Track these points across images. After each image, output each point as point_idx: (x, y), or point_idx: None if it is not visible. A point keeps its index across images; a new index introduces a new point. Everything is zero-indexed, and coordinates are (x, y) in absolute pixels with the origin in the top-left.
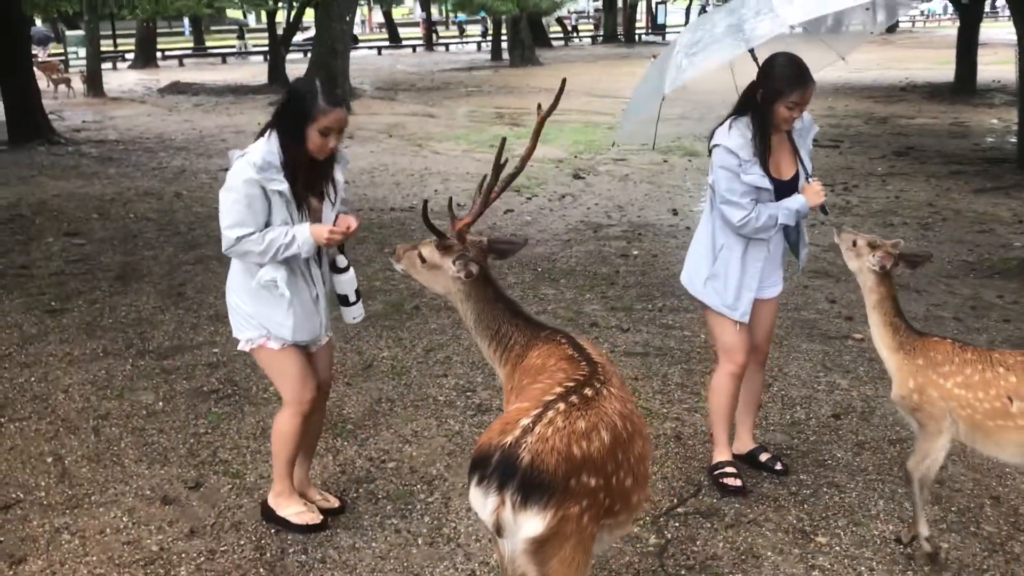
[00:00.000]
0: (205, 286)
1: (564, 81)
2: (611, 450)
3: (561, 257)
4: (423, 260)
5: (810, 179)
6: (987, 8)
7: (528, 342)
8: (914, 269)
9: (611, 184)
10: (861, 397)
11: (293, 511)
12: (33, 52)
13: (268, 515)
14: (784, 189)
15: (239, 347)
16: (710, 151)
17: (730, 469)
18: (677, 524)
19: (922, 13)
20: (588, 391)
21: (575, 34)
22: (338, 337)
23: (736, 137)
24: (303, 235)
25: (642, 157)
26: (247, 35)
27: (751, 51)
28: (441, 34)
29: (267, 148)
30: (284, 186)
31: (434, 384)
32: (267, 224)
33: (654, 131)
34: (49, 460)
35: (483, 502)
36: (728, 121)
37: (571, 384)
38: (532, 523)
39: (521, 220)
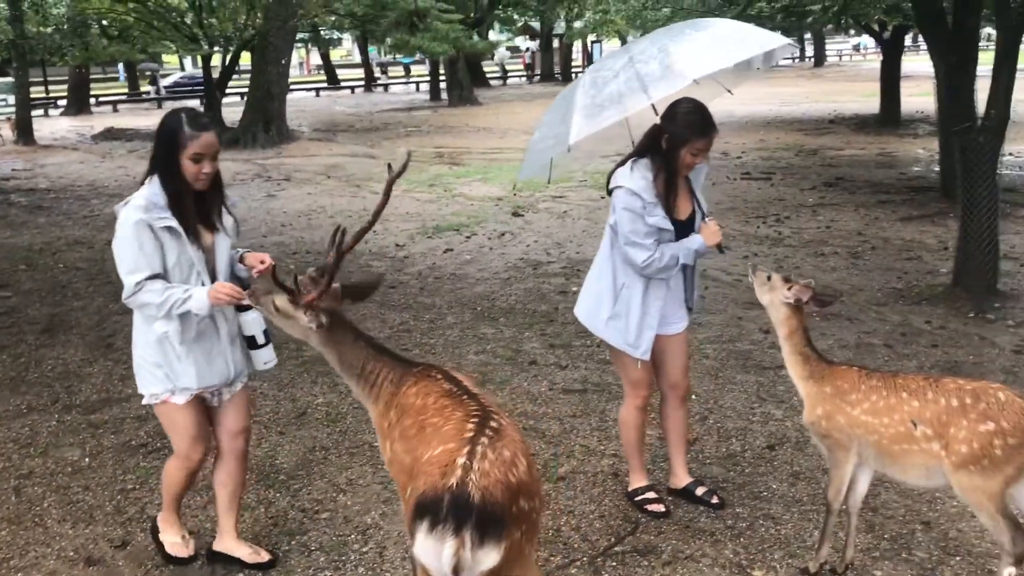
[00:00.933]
0: None
1: (409, 154)
2: (530, 473)
3: (500, 295)
4: (277, 309)
5: (707, 219)
6: (909, 42)
7: (399, 379)
8: (822, 308)
9: (550, 221)
10: (795, 427)
11: (169, 540)
12: None
13: (153, 532)
14: (682, 229)
15: (143, 402)
16: (609, 192)
17: (650, 494)
18: (615, 564)
19: (855, 47)
20: (493, 423)
21: (531, 71)
22: (271, 384)
23: (639, 179)
24: (199, 295)
25: (580, 194)
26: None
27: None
28: (390, 74)
29: (149, 190)
30: (172, 222)
31: (369, 430)
32: (164, 266)
33: (550, 168)
34: None
35: (439, 548)
36: (629, 163)
37: (476, 419)
38: (491, 556)
39: (461, 259)
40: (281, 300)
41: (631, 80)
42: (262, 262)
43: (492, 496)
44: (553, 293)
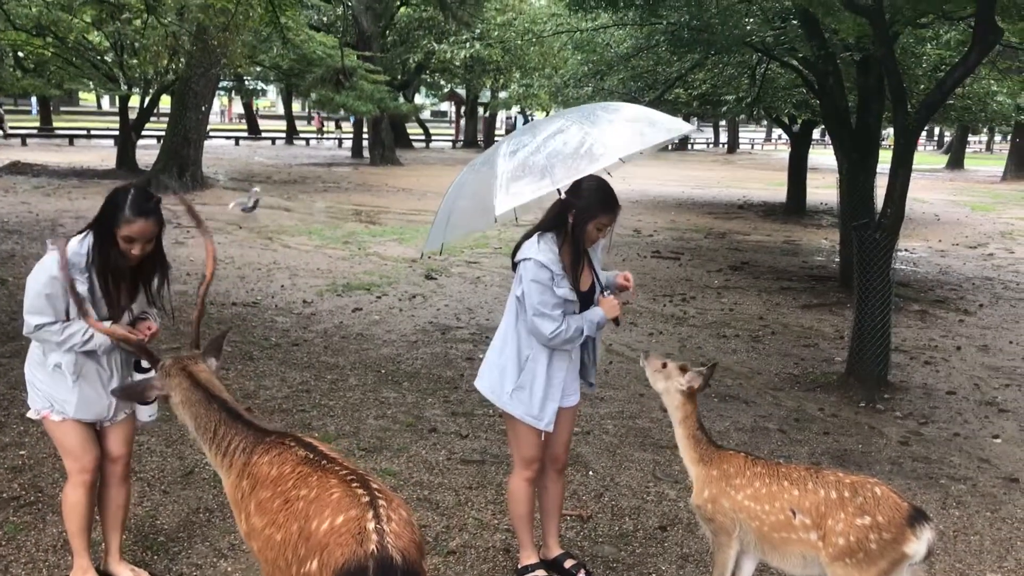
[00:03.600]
0: (19, 381)
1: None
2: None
3: (406, 359)
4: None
5: (605, 292)
6: (817, 136)
7: (252, 447)
8: (706, 383)
9: (462, 286)
10: (687, 508)
11: None
12: None
13: None
14: (584, 300)
15: (27, 415)
16: (515, 265)
17: (540, 572)
18: None
19: (769, 137)
20: (374, 485)
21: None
22: (159, 440)
23: (547, 252)
24: (100, 335)
25: (494, 261)
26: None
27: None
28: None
29: (76, 248)
30: (83, 287)
31: None
32: (68, 313)
33: (443, 237)
34: None
35: None
36: (535, 236)
37: (358, 483)
38: None
39: (369, 319)
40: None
41: (555, 156)
42: (149, 328)
43: (411, 556)
44: (460, 359)
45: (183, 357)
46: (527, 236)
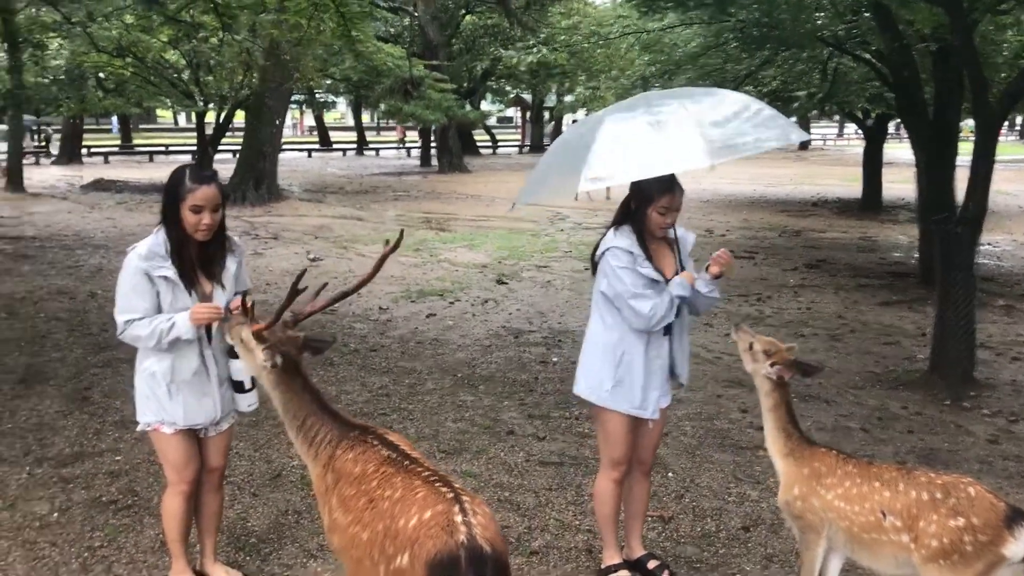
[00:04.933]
0: (112, 390)
1: (403, 232)
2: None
3: (481, 363)
4: (241, 340)
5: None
6: (892, 130)
7: (338, 442)
8: (806, 377)
9: (533, 290)
10: (771, 509)
11: None
12: None
13: None
14: None
15: (138, 428)
16: (596, 263)
17: (623, 572)
18: None
19: (842, 133)
20: (455, 484)
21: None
22: (247, 444)
23: (624, 239)
24: (181, 319)
25: (564, 264)
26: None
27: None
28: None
29: (153, 240)
30: (170, 272)
31: None
32: (159, 311)
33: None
34: None
35: None
36: (611, 230)
37: (440, 482)
38: None
39: (443, 324)
40: (246, 333)
41: (695, 139)
42: (237, 305)
43: (498, 546)
44: (534, 363)
45: (287, 336)
46: (603, 235)
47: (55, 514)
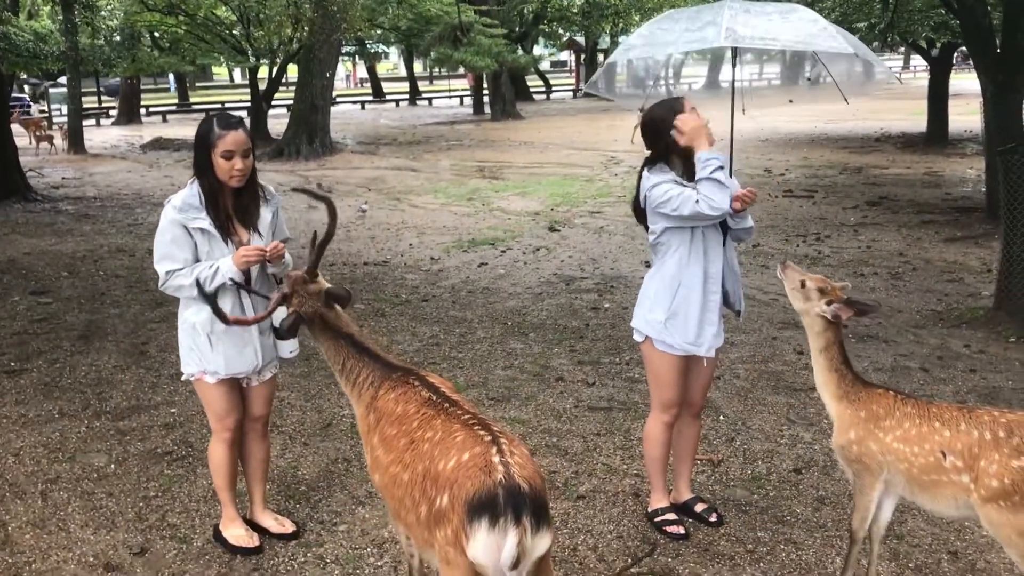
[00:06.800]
0: (169, 344)
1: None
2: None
3: (532, 310)
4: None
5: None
6: (958, 60)
7: (380, 382)
8: (860, 316)
9: (586, 237)
10: (824, 451)
11: (231, 534)
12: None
13: (216, 535)
14: None
15: (183, 378)
16: (641, 205)
17: (670, 516)
18: None
19: (907, 65)
20: (493, 426)
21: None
22: (298, 395)
23: (660, 175)
24: (225, 263)
25: (618, 210)
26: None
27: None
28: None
29: (188, 192)
30: (205, 223)
31: None
32: (196, 261)
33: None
34: None
35: (501, 541)
36: (644, 171)
37: (479, 425)
38: (545, 541)
39: (495, 273)
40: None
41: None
42: (275, 247)
43: (536, 483)
44: (585, 309)
45: (308, 291)
46: (639, 180)
47: (112, 465)
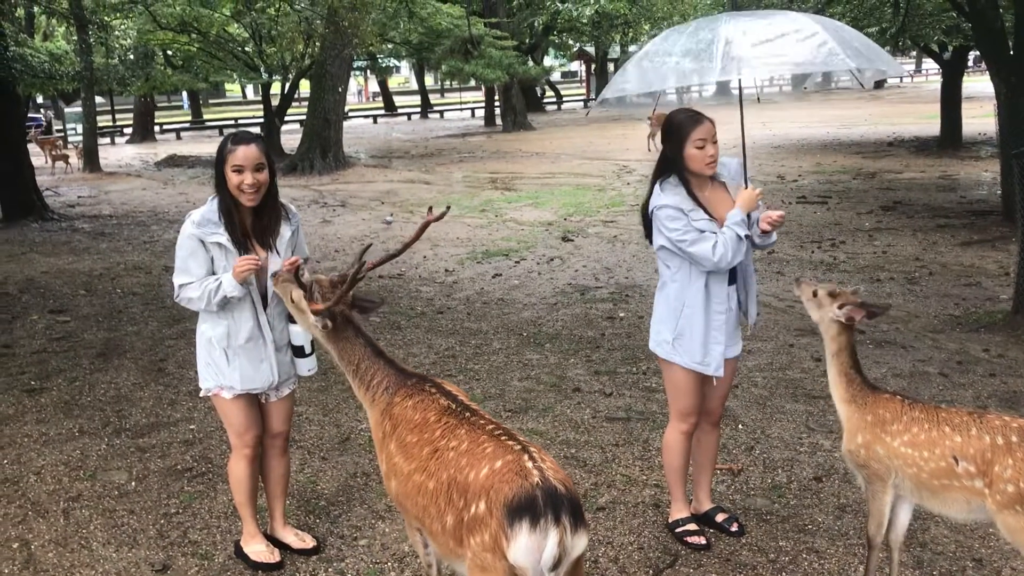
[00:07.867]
0: (187, 361)
1: (448, 207)
2: None
3: (547, 321)
4: (292, 300)
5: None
6: (970, 63)
7: (395, 388)
8: (871, 319)
9: (599, 246)
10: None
11: (252, 550)
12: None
13: (237, 551)
14: None
15: (200, 393)
16: (648, 221)
17: (691, 526)
18: None
19: (919, 69)
20: (517, 435)
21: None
22: (316, 409)
23: (672, 194)
24: (227, 277)
25: (631, 218)
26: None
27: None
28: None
29: (207, 208)
30: (223, 238)
31: None
32: (212, 274)
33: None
34: (15, 546)
35: (542, 542)
36: (656, 185)
37: (504, 434)
38: (583, 540)
39: (509, 284)
40: (297, 294)
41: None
42: (292, 262)
43: (570, 487)
44: (600, 319)
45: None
46: (649, 191)
47: (133, 483)
